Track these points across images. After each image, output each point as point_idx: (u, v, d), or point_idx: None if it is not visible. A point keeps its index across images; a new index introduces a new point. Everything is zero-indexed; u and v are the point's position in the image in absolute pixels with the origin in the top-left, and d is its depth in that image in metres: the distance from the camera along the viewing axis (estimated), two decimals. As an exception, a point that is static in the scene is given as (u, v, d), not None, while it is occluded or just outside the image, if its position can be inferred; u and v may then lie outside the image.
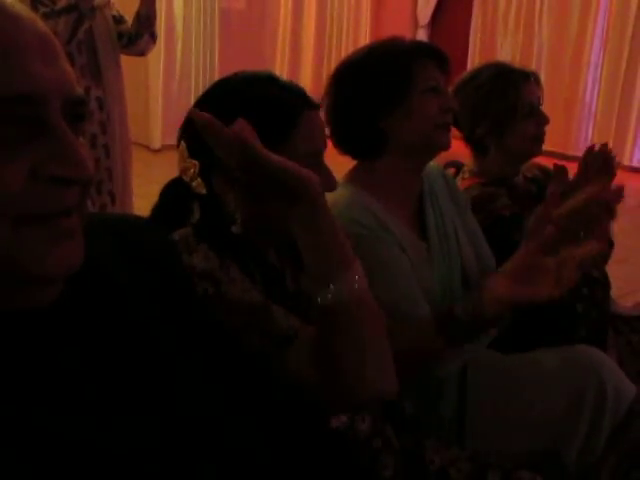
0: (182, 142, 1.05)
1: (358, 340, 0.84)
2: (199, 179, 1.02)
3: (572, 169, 1.79)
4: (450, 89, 1.85)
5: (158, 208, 1.08)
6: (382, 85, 1.34)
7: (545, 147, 1.85)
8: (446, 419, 1.40)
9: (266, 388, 0.84)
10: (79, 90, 0.60)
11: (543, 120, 1.80)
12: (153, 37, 3.08)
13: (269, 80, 1.06)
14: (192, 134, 1.04)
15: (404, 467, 1.08)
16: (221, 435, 0.69)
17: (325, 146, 1.05)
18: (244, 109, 1.00)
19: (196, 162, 1.02)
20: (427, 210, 1.44)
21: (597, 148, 1.59)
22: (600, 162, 1.59)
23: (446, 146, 1.39)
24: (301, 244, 0.86)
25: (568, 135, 6.83)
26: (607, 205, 1.19)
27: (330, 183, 1.02)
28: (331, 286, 0.84)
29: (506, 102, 1.76)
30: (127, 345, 0.66)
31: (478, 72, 1.84)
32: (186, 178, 1.04)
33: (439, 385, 1.41)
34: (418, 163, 1.43)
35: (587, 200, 1.18)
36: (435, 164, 1.52)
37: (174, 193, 1.07)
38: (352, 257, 0.86)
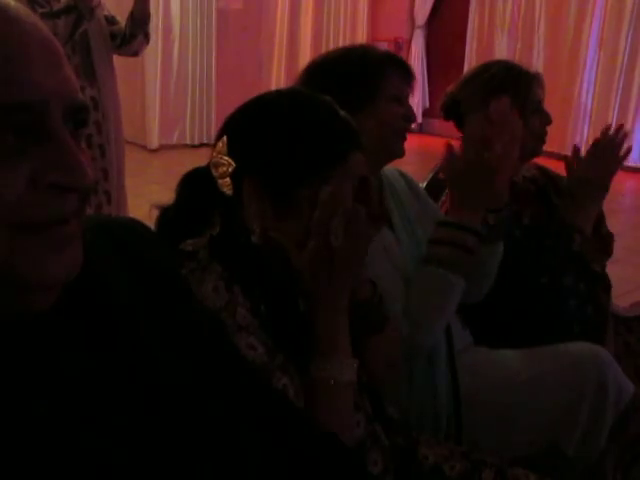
0: (223, 138, 1.03)
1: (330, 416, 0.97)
2: (228, 179, 1.01)
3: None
4: (451, 87, 1.86)
5: (180, 205, 1.06)
6: (352, 87, 1.39)
7: (542, 147, 1.86)
8: (443, 417, 1.41)
9: (262, 390, 0.84)
10: (81, 96, 0.60)
11: (547, 119, 1.81)
12: (147, 37, 3.08)
13: (330, 109, 1.05)
14: (238, 133, 1.04)
15: (395, 463, 1.07)
16: (217, 436, 0.70)
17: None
18: (301, 129, 1.01)
19: (232, 162, 1.01)
20: (387, 200, 1.51)
21: (612, 129, 1.70)
22: (608, 141, 1.70)
23: (400, 154, 1.47)
24: (317, 320, 1.00)
25: (564, 135, 6.84)
26: None
27: None
28: (321, 366, 0.98)
29: (517, 96, 1.77)
30: (125, 348, 0.66)
31: (488, 66, 1.85)
32: (215, 173, 1.02)
33: (432, 384, 1.42)
34: (372, 166, 1.47)
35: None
36: (391, 167, 1.60)
37: (199, 187, 1.05)
38: (349, 351, 1.01)
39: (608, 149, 1.77)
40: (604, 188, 1.79)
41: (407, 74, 1.46)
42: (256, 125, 1.04)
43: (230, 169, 1.01)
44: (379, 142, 1.42)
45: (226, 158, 1.01)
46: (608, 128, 1.80)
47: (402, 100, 1.44)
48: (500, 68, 1.82)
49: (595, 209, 1.79)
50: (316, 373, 0.98)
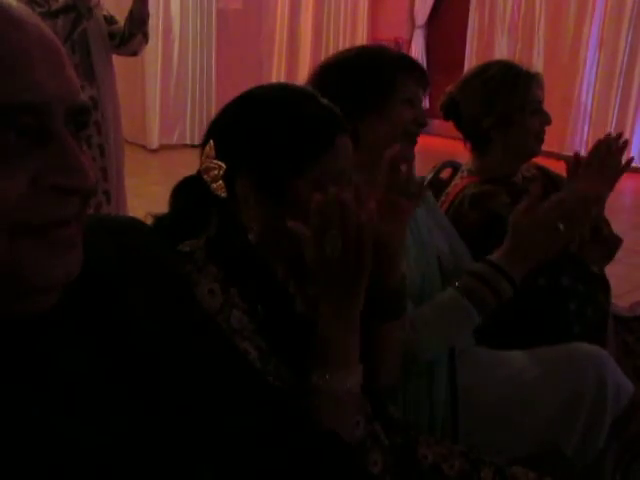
0: (210, 142, 1.04)
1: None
2: (221, 181, 1.01)
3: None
4: (450, 87, 1.86)
5: (175, 213, 1.06)
6: (365, 88, 1.39)
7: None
8: (439, 417, 1.41)
9: (262, 389, 0.84)
10: (83, 98, 0.60)
11: (546, 119, 1.81)
12: (146, 37, 3.08)
13: (311, 98, 1.05)
14: (224, 135, 1.04)
15: (394, 463, 1.07)
16: (217, 435, 0.70)
17: (349, 168, 1.04)
18: (284, 120, 1.01)
19: (222, 164, 1.01)
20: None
21: (604, 139, 1.67)
22: (604, 153, 1.66)
23: (409, 158, 1.44)
24: (323, 328, 0.97)
25: (564, 135, 6.84)
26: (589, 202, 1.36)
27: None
28: (327, 376, 0.95)
29: (516, 96, 1.77)
30: (126, 347, 0.66)
31: (487, 66, 1.85)
32: (207, 178, 1.02)
33: (429, 384, 1.42)
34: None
35: (569, 196, 1.35)
36: None
37: (192, 195, 1.05)
38: (357, 359, 0.98)
39: (606, 156, 1.74)
40: (604, 190, 1.77)
41: (421, 77, 1.45)
42: (240, 124, 1.04)
43: (221, 172, 1.01)
44: (390, 145, 1.42)
45: (216, 161, 1.01)
46: (608, 135, 1.75)
47: (415, 103, 1.43)
48: (499, 68, 1.82)
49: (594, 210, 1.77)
50: (318, 382, 0.96)
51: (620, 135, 1.75)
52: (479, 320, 1.35)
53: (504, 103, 1.77)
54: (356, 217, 0.91)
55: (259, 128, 1.01)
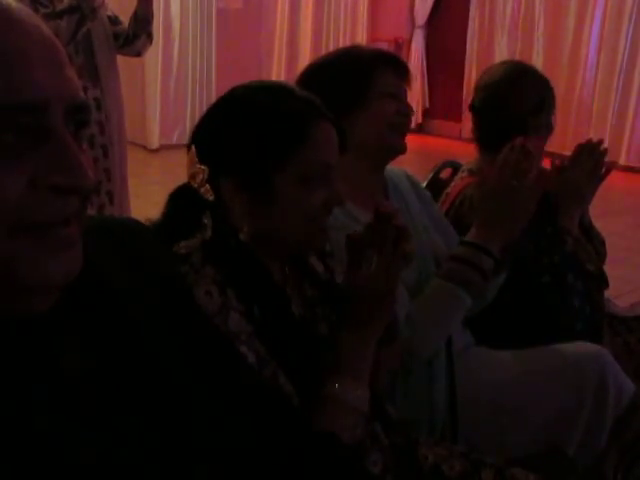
0: (192, 147, 1.05)
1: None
2: (207, 185, 1.02)
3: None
4: (486, 78, 1.86)
5: (167, 217, 1.06)
6: (344, 86, 1.41)
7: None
8: (439, 417, 1.41)
9: (261, 390, 0.85)
10: (82, 96, 0.60)
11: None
12: (150, 38, 3.08)
13: (283, 90, 1.07)
14: (203, 139, 1.06)
15: (394, 463, 1.08)
16: (216, 436, 0.70)
17: (335, 159, 1.05)
18: (255, 117, 1.02)
19: (205, 168, 1.02)
20: (392, 200, 1.52)
21: (587, 143, 1.69)
22: (585, 156, 1.69)
23: (400, 149, 1.47)
24: (341, 345, 1.03)
25: (564, 135, 6.84)
26: None
27: (336, 198, 1.05)
28: (337, 385, 0.99)
29: (538, 96, 1.78)
30: (124, 348, 0.66)
31: (500, 68, 1.85)
32: (194, 184, 1.03)
33: (429, 384, 1.42)
34: (376, 164, 1.50)
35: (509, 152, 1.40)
36: (397, 168, 1.60)
37: (183, 201, 1.06)
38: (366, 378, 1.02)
39: (588, 160, 1.76)
40: (587, 192, 1.79)
41: (401, 70, 1.46)
42: (216, 125, 1.05)
43: (206, 175, 1.02)
44: (377, 139, 1.44)
45: (199, 166, 1.03)
46: (590, 140, 1.81)
47: (398, 96, 1.45)
48: (515, 70, 1.83)
49: (577, 211, 1.79)
50: (331, 391, 0.99)
51: (602, 141, 1.80)
52: (470, 301, 1.37)
53: (527, 104, 1.77)
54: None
55: (233, 127, 1.03)
